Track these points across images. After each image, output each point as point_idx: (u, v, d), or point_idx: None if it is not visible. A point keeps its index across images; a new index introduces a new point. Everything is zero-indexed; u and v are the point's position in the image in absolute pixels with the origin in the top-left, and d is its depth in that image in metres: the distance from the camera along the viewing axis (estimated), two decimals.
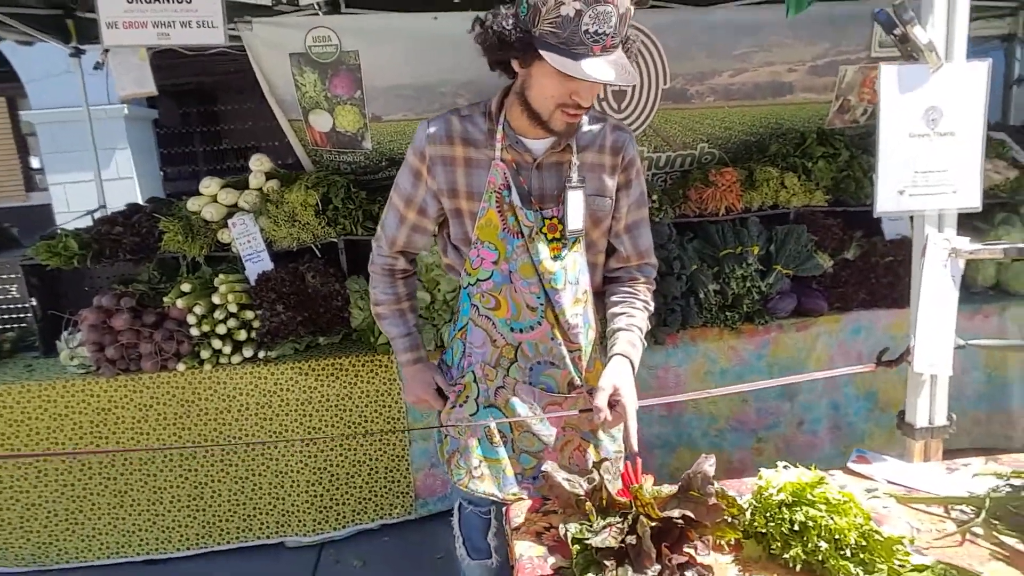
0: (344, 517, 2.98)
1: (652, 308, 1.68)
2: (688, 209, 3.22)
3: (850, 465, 1.62)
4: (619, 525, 1.20)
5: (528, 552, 1.33)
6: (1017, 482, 1.36)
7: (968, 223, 3.33)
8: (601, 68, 1.30)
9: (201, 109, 8.58)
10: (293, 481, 2.91)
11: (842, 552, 1.19)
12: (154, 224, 3.07)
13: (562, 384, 1.62)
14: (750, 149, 3.59)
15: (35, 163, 8.76)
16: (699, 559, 1.18)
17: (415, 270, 1.80)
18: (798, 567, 1.20)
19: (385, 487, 2.99)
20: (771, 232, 3.13)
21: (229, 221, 3.03)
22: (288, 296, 2.91)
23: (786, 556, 1.21)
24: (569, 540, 1.22)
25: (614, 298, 1.65)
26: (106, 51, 3.63)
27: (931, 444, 1.67)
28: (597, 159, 1.56)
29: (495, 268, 1.54)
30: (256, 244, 3.03)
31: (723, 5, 3.32)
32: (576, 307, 1.58)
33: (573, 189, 1.51)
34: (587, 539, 1.19)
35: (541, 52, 1.31)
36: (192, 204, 3.13)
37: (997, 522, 1.31)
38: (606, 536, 1.18)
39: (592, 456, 1.64)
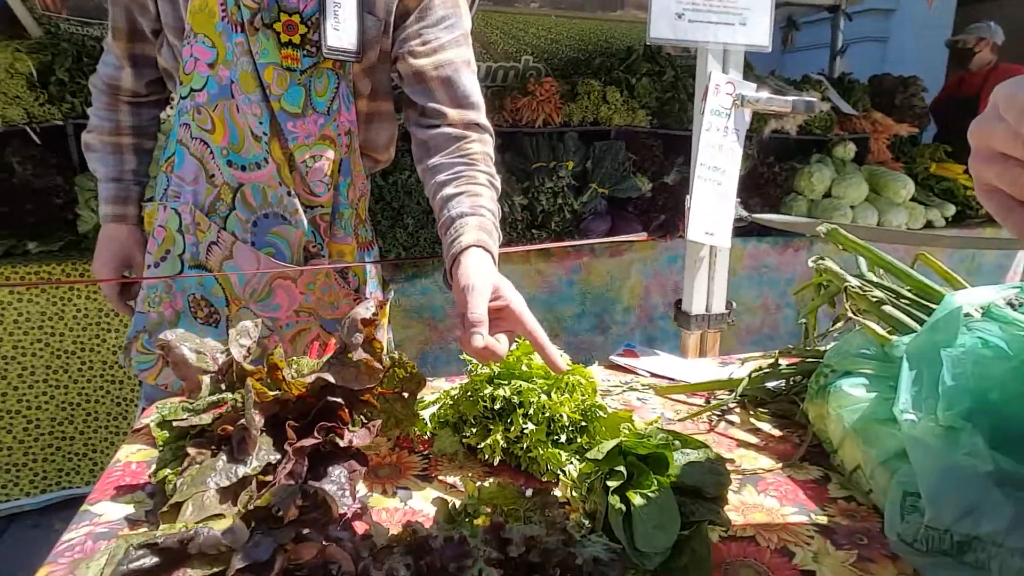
0: (44, 479, 2.33)
1: (498, 183, 1.15)
2: (502, 120, 2.89)
3: (612, 358, 1.34)
4: (237, 404, 0.81)
5: (130, 456, 0.91)
6: (785, 361, 1.12)
7: (786, 159, 3.22)
8: None
9: None
10: None
11: (555, 438, 0.88)
12: None
13: (296, 249, 1.19)
14: (578, 67, 3.31)
15: None
16: (360, 448, 0.81)
17: (151, 98, 1.28)
18: (496, 460, 0.87)
19: (105, 440, 2.38)
20: (589, 148, 2.87)
21: None
22: None
23: (482, 446, 0.88)
24: (154, 427, 0.81)
25: (442, 176, 1.10)
26: None
27: (707, 337, 1.42)
28: None
29: (211, 74, 1.09)
30: None
31: None
32: (322, 147, 1.14)
33: None
34: (180, 420, 0.79)
35: None
36: None
37: (759, 409, 1.07)
38: (205, 415, 0.78)
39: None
